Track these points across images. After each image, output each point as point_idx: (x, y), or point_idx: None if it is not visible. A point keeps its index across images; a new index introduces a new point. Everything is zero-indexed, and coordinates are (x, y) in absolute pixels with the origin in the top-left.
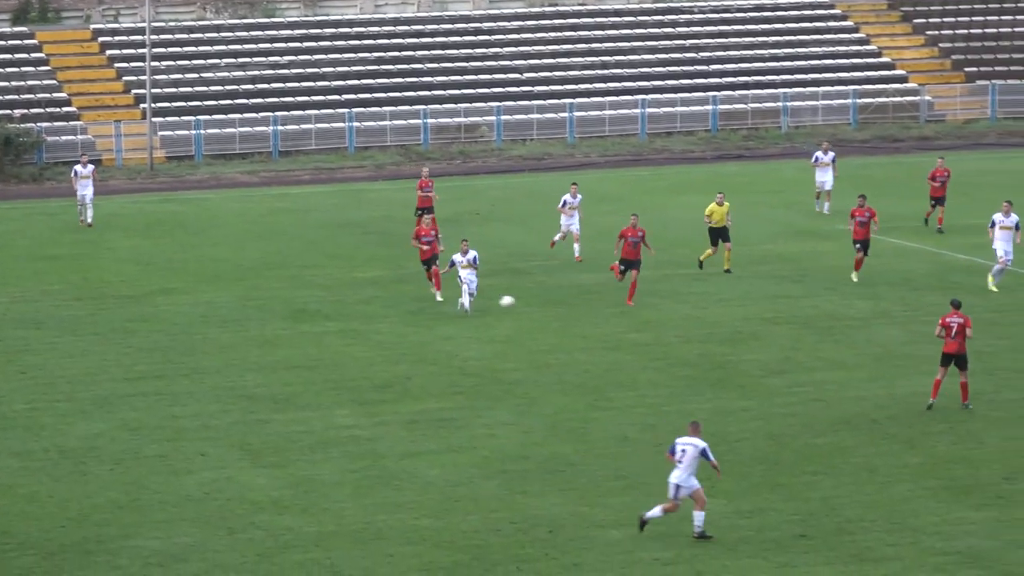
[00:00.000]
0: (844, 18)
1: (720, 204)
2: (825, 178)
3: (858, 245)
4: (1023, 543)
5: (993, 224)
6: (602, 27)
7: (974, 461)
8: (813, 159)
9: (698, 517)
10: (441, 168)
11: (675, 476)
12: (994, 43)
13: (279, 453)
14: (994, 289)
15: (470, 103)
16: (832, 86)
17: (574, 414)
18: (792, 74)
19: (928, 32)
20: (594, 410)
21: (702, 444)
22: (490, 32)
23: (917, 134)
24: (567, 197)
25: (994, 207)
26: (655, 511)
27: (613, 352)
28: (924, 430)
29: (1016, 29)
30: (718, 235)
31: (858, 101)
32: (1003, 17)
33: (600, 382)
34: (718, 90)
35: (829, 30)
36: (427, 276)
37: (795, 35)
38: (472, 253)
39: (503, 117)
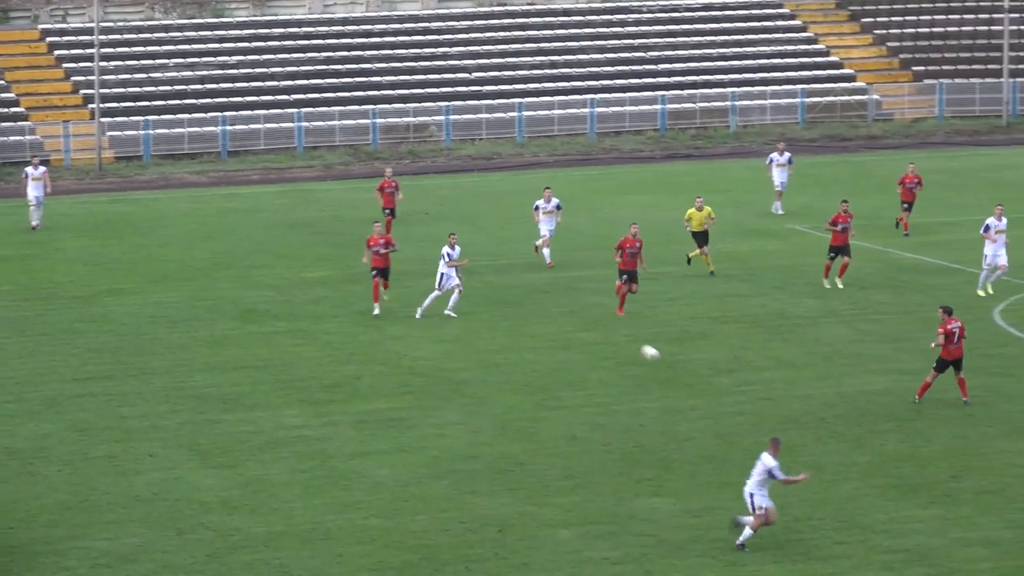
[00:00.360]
0: (792, 17)
1: (699, 209)
2: (783, 179)
3: (833, 253)
4: (970, 541)
5: (987, 228)
6: (551, 27)
7: (921, 459)
8: (768, 160)
9: (745, 521)
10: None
11: (748, 486)
12: (941, 42)
13: (228, 453)
14: (982, 293)
15: (419, 103)
16: (780, 85)
17: (523, 414)
18: (740, 73)
19: (876, 31)
20: (543, 409)
21: (769, 464)
22: (439, 32)
23: (865, 133)
24: (540, 202)
25: (942, 206)
26: (746, 534)
27: (562, 351)
28: (872, 429)
29: (963, 28)
30: (701, 239)
31: (806, 100)
32: (950, 16)
33: (549, 381)
34: (666, 89)
35: (777, 29)
36: (374, 284)
37: (743, 34)
38: (458, 249)
39: (452, 117)
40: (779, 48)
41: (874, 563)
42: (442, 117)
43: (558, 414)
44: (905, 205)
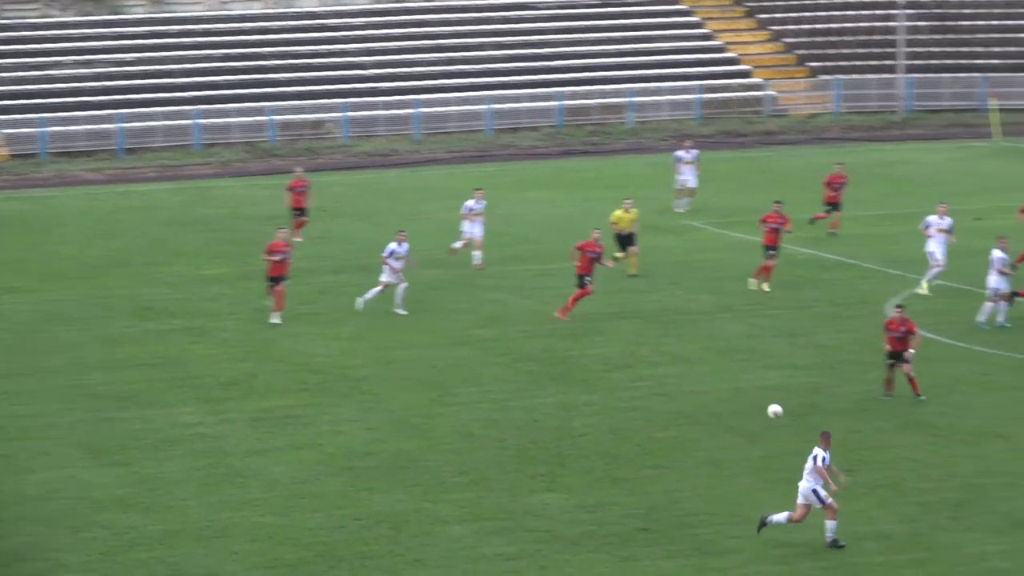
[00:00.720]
0: (688, 13)
1: (627, 211)
2: (688, 176)
3: (771, 252)
4: (864, 535)
5: (927, 226)
6: (448, 23)
7: None
8: (675, 158)
9: (829, 527)
10: (287, 165)
11: (802, 485)
12: (837, 38)
13: (123, 451)
14: (927, 293)
15: (316, 99)
16: (677, 81)
17: (418, 410)
18: (637, 69)
19: (772, 27)
20: (438, 406)
21: (817, 455)
22: (336, 28)
23: (761, 129)
24: (471, 203)
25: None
26: (830, 527)
27: (458, 348)
28: (766, 424)
29: (859, 24)
30: (625, 240)
31: (702, 96)
32: (846, 12)
33: (445, 378)
34: (563, 85)
35: (674, 25)
36: (267, 292)
37: (640, 30)
38: (406, 245)
39: (349, 113)
40: (676, 44)
41: (768, 557)
42: (339, 114)
43: (453, 410)
44: (828, 207)
